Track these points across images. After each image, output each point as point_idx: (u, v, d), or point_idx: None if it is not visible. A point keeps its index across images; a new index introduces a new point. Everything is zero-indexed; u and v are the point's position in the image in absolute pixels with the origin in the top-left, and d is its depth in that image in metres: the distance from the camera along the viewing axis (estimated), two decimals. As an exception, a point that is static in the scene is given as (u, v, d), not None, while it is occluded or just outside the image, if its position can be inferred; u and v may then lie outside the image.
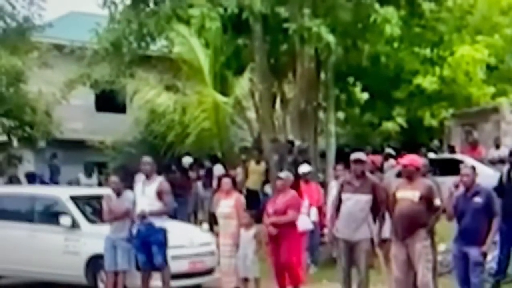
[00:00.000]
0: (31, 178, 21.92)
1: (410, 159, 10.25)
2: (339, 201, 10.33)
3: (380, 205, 10.20)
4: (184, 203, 19.45)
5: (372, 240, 10.14)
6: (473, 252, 9.47)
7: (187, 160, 20.63)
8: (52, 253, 12.96)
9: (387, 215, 10.76)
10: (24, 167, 23.19)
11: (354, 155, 10.49)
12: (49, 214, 13.41)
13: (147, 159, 11.88)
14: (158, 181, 11.72)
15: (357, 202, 10.13)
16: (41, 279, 13.70)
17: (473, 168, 10.01)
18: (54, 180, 22.94)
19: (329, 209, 11.70)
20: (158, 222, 11.55)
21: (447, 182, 10.36)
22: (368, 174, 10.45)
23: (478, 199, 9.58)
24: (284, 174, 12.19)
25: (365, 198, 10.14)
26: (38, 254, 13.17)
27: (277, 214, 11.59)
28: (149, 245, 11.55)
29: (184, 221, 16.50)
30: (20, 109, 21.45)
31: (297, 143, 17.45)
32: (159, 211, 11.60)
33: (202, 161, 20.99)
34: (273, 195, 14.66)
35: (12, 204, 14.21)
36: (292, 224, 11.60)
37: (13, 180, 21.49)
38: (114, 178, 12.55)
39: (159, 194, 11.58)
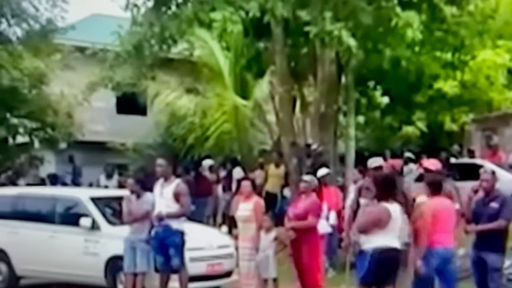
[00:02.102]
0: (53, 180, 22.09)
1: (435, 163, 10.26)
2: (357, 206, 10.36)
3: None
4: (203, 205, 19.54)
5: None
6: (491, 258, 9.49)
7: (206, 163, 20.70)
8: (72, 254, 13.05)
9: (406, 220, 10.77)
10: (45, 168, 23.37)
11: (374, 162, 10.52)
12: (70, 215, 13.51)
13: (161, 161, 11.94)
14: (176, 183, 11.77)
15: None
16: (61, 280, 13.79)
17: (493, 173, 10.00)
18: (75, 182, 23.10)
19: (347, 213, 11.71)
20: (175, 224, 11.57)
21: (467, 186, 10.34)
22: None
23: (494, 204, 9.59)
24: (309, 177, 12.20)
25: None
26: (58, 255, 13.28)
27: (297, 218, 11.63)
28: (166, 247, 11.58)
29: (202, 223, 16.57)
30: (42, 111, 21.62)
31: (314, 146, 17.46)
32: (177, 213, 11.65)
33: (225, 163, 21.06)
34: (293, 197, 14.71)
35: (33, 205, 14.33)
36: (312, 229, 11.63)
37: (35, 180, 21.68)
38: (130, 181, 12.65)
39: (176, 196, 11.62)
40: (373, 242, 8.81)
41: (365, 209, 9.28)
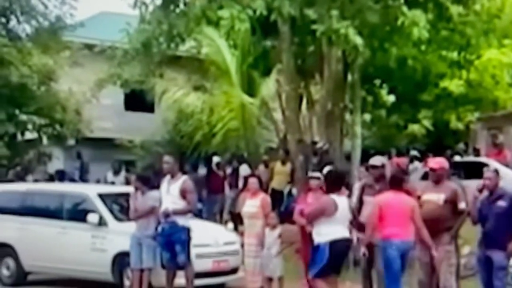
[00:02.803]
0: (61, 176, 22.22)
1: (439, 162, 10.31)
2: (360, 203, 10.48)
3: None
4: (215, 202, 19.71)
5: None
6: (497, 256, 9.48)
7: (215, 160, 20.84)
8: (79, 250, 13.12)
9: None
10: (53, 165, 23.49)
11: (373, 161, 10.65)
12: (77, 212, 13.57)
13: (167, 158, 12.04)
14: (182, 180, 11.86)
15: None
16: (68, 276, 13.88)
17: (496, 171, 10.02)
18: (83, 178, 23.23)
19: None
20: (181, 221, 11.66)
21: (472, 185, 10.38)
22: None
23: (501, 203, 9.57)
24: (319, 174, 12.31)
25: None
26: (66, 251, 13.36)
27: None
28: (172, 244, 11.66)
29: (211, 220, 16.67)
30: (51, 108, 21.73)
31: (320, 144, 17.52)
32: (183, 210, 11.74)
33: (231, 160, 21.16)
34: (299, 195, 14.79)
35: (41, 201, 14.43)
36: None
37: (44, 177, 21.81)
38: (133, 178, 12.76)
39: (183, 193, 11.71)
40: (326, 235, 9.90)
41: (313, 201, 10.34)
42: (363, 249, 10.21)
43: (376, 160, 10.70)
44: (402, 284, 11.10)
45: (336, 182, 10.34)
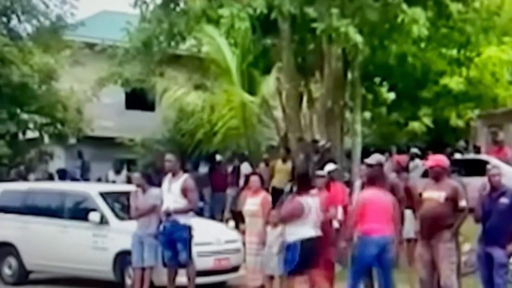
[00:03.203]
0: (62, 175, 22.24)
1: (436, 159, 10.33)
2: (360, 201, 10.54)
3: (399, 205, 10.37)
4: (220, 200, 19.74)
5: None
6: (497, 253, 9.52)
7: (217, 158, 20.90)
8: (81, 248, 13.13)
9: (412, 215, 10.95)
10: (54, 164, 23.52)
11: (369, 159, 10.72)
12: (79, 210, 13.56)
13: (169, 156, 12.07)
14: (183, 178, 11.88)
15: None
16: (70, 275, 13.91)
17: (499, 169, 10.04)
18: (84, 177, 23.25)
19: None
20: (183, 219, 11.69)
21: (472, 182, 10.41)
22: (387, 175, 10.62)
23: (504, 200, 9.60)
24: (324, 172, 12.38)
25: None
26: (67, 250, 13.36)
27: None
28: (174, 242, 11.68)
29: (213, 218, 16.69)
30: (52, 107, 21.73)
31: (322, 142, 17.56)
32: (184, 208, 11.77)
33: (232, 158, 21.19)
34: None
35: (42, 200, 14.44)
36: (329, 221, 11.81)
37: (44, 176, 21.83)
38: (136, 175, 12.78)
39: (184, 191, 11.74)
40: (297, 234, 10.28)
41: (286, 202, 10.60)
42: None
43: (371, 159, 10.75)
44: (403, 282, 11.22)
45: (305, 182, 10.73)
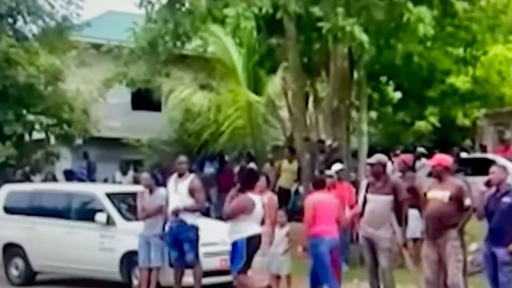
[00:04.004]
0: (69, 175, 22.27)
1: (438, 159, 10.35)
2: (364, 201, 10.57)
3: (402, 205, 10.39)
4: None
5: (395, 240, 10.33)
6: (500, 252, 9.52)
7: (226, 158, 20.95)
8: (88, 249, 13.19)
9: (418, 215, 10.95)
10: (61, 164, 23.56)
11: (370, 159, 10.79)
12: (86, 211, 13.65)
13: (182, 158, 12.08)
14: (190, 178, 11.89)
15: (378, 203, 10.36)
16: (77, 276, 13.97)
17: (504, 167, 10.03)
18: (91, 178, 23.28)
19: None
20: (189, 220, 11.71)
21: (479, 181, 10.39)
22: (391, 175, 10.66)
23: (506, 199, 9.58)
24: (332, 172, 12.43)
25: (385, 199, 10.35)
26: (74, 251, 13.43)
27: None
28: (180, 242, 11.71)
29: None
30: (58, 107, 21.74)
31: (328, 142, 17.54)
32: (191, 208, 11.77)
33: (238, 158, 21.20)
34: (307, 192, 14.82)
35: (49, 201, 14.49)
36: (337, 221, 11.82)
37: (48, 177, 21.87)
38: (145, 175, 12.79)
39: (191, 192, 11.74)
40: (243, 231, 10.59)
41: (233, 199, 10.85)
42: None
43: (374, 158, 10.80)
44: (409, 282, 11.22)
45: (249, 180, 11.00)
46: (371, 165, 10.69)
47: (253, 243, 10.63)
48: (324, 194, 10.94)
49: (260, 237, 10.78)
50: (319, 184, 11.08)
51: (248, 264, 10.75)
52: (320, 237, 10.60)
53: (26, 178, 20.52)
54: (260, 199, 10.87)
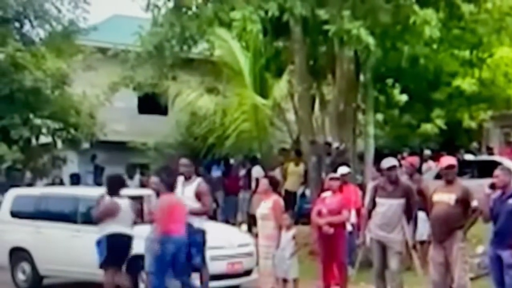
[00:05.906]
0: (76, 179, 22.31)
1: (449, 161, 10.34)
2: (372, 205, 10.54)
3: (413, 208, 10.38)
4: (232, 203, 19.73)
5: (406, 242, 10.30)
6: (506, 254, 9.49)
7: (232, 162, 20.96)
8: (94, 253, 13.17)
9: (425, 217, 10.94)
10: (68, 168, 23.60)
11: (387, 162, 10.67)
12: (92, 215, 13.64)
13: (185, 161, 12.06)
14: (197, 182, 11.88)
15: (390, 206, 10.31)
16: (83, 279, 13.94)
17: (508, 170, 9.99)
18: (97, 182, 23.31)
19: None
20: (196, 223, 11.69)
21: (486, 184, 10.38)
22: (401, 178, 10.64)
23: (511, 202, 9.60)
24: (338, 175, 12.42)
25: (398, 202, 10.34)
26: (81, 255, 13.35)
27: (332, 214, 11.79)
28: (187, 246, 11.71)
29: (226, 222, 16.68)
30: (65, 111, 21.81)
31: (335, 144, 17.53)
32: (199, 210, 11.77)
33: (244, 161, 21.20)
34: (314, 195, 14.83)
35: (55, 205, 14.49)
36: (343, 224, 11.83)
37: (55, 181, 21.91)
38: (154, 179, 12.76)
39: (198, 195, 11.73)
40: (105, 230, 11.70)
41: (100, 203, 11.97)
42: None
43: (390, 162, 10.72)
44: (416, 285, 11.21)
45: (116, 185, 12.17)
46: (390, 168, 10.59)
47: (114, 241, 11.76)
48: (171, 195, 11.31)
49: (126, 237, 11.88)
50: (168, 187, 11.39)
51: (112, 260, 11.82)
52: (169, 235, 11.02)
53: (33, 182, 20.56)
54: (123, 202, 11.99)
